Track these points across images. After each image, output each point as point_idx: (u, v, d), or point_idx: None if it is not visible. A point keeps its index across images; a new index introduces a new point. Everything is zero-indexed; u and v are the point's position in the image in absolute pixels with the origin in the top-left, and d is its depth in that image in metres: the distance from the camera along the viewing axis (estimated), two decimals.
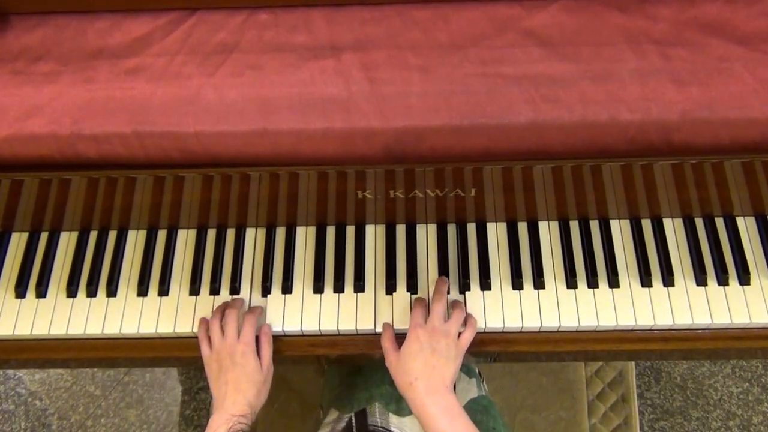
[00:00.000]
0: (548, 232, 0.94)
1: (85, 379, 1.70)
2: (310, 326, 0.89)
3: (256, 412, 0.82)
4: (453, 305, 0.87)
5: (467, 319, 0.86)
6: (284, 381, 1.26)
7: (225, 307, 0.89)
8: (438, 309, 0.82)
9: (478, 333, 0.89)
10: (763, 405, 1.61)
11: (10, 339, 0.91)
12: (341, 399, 0.98)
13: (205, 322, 0.88)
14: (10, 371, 1.72)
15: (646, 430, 1.60)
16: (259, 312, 0.89)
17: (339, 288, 0.91)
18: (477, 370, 1.10)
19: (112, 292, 0.92)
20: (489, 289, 0.90)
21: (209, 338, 0.86)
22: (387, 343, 0.84)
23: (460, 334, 0.83)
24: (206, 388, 1.67)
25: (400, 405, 0.92)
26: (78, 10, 0.85)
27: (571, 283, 0.89)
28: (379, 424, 0.89)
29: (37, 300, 0.92)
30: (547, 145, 0.78)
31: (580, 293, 0.89)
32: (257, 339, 0.86)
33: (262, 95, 0.78)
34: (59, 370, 1.71)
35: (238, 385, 0.81)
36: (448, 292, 0.90)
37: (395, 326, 0.88)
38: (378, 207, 0.90)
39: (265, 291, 0.91)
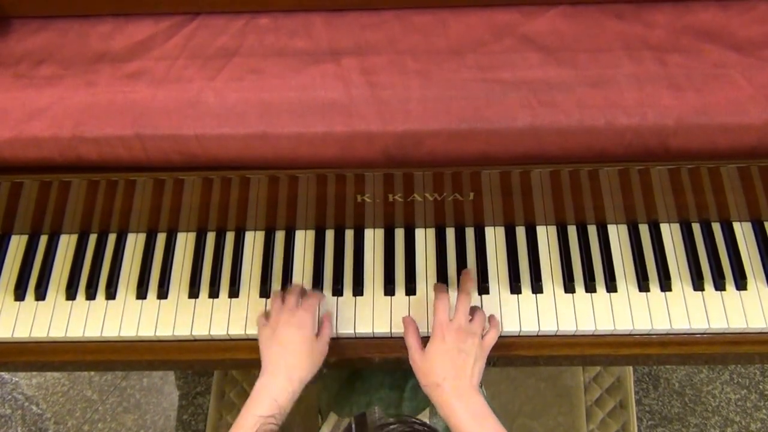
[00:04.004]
0: (546, 236, 0.94)
1: (83, 384, 1.70)
2: None
3: (294, 398, 0.79)
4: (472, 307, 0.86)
5: (490, 319, 0.85)
6: None
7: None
8: (463, 308, 0.81)
9: None
10: (761, 412, 1.61)
11: (9, 341, 0.91)
12: (340, 403, 0.98)
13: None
14: (7, 376, 1.72)
15: None
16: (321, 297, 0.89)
17: (338, 291, 0.91)
18: None
19: (111, 294, 0.92)
20: (487, 293, 0.90)
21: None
22: (412, 340, 0.81)
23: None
24: (204, 393, 1.66)
25: (399, 409, 0.92)
26: (80, 14, 0.86)
27: (569, 288, 0.90)
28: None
29: (36, 302, 0.92)
30: (545, 150, 0.79)
31: (578, 298, 0.89)
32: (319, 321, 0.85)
33: (262, 99, 0.79)
34: (56, 375, 1.71)
35: (290, 347, 0.79)
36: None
37: (393, 330, 0.88)
38: (377, 211, 0.91)
39: (264, 294, 0.91)
